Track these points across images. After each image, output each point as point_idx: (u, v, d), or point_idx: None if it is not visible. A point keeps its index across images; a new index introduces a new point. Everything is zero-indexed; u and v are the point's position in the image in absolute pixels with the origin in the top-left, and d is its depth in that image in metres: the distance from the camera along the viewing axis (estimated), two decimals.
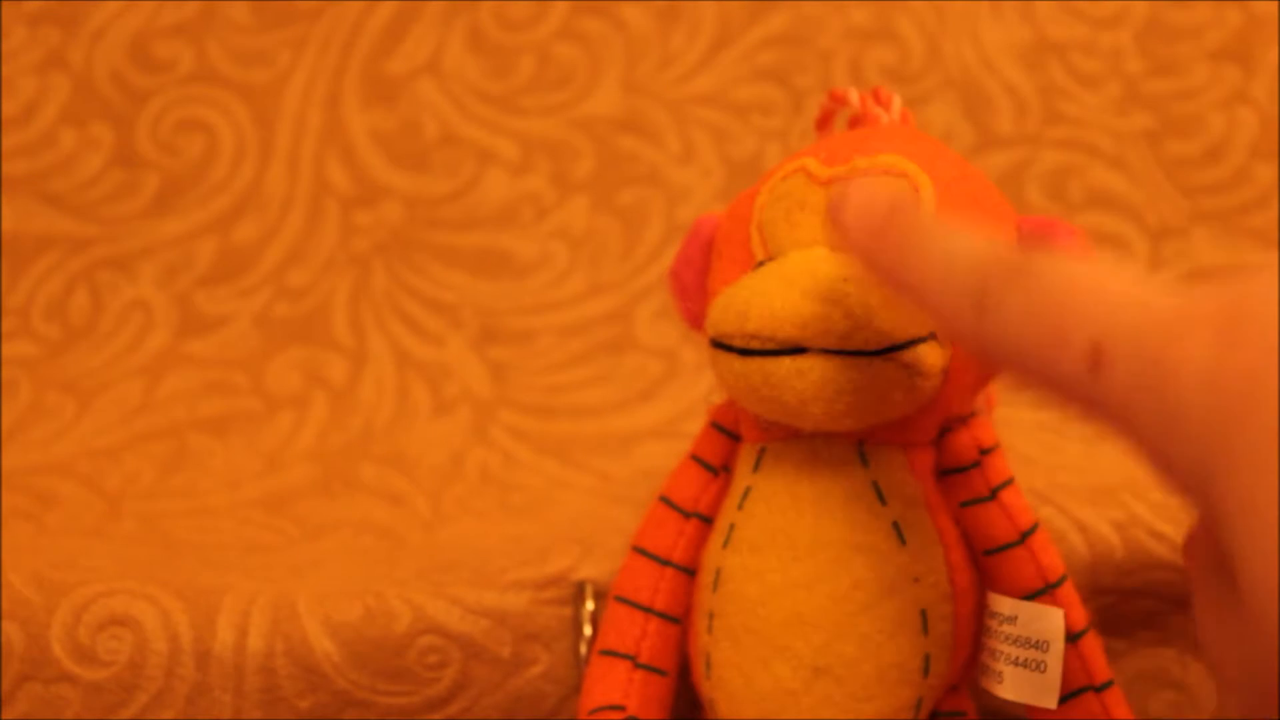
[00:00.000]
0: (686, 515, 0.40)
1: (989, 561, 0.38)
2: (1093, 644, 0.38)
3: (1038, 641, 0.36)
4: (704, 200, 0.67)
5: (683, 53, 0.69)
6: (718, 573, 0.38)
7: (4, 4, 0.69)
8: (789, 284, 0.35)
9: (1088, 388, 0.25)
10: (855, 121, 0.40)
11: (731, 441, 0.40)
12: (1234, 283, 0.24)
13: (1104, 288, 0.26)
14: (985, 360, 0.29)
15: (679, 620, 0.40)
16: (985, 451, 0.38)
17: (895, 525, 0.37)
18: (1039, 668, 0.36)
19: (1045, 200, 0.67)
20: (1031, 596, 0.37)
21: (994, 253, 0.28)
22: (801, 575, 0.37)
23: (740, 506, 0.38)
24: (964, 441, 0.38)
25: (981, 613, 0.38)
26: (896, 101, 0.40)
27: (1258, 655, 0.23)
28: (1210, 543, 0.26)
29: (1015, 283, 0.27)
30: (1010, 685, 0.37)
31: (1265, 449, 0.22)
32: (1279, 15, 0.69)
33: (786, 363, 0.35)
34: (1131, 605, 0.48)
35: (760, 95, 0.69)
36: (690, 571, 0.40)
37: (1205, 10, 0.69)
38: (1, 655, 0.44)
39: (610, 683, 0.40)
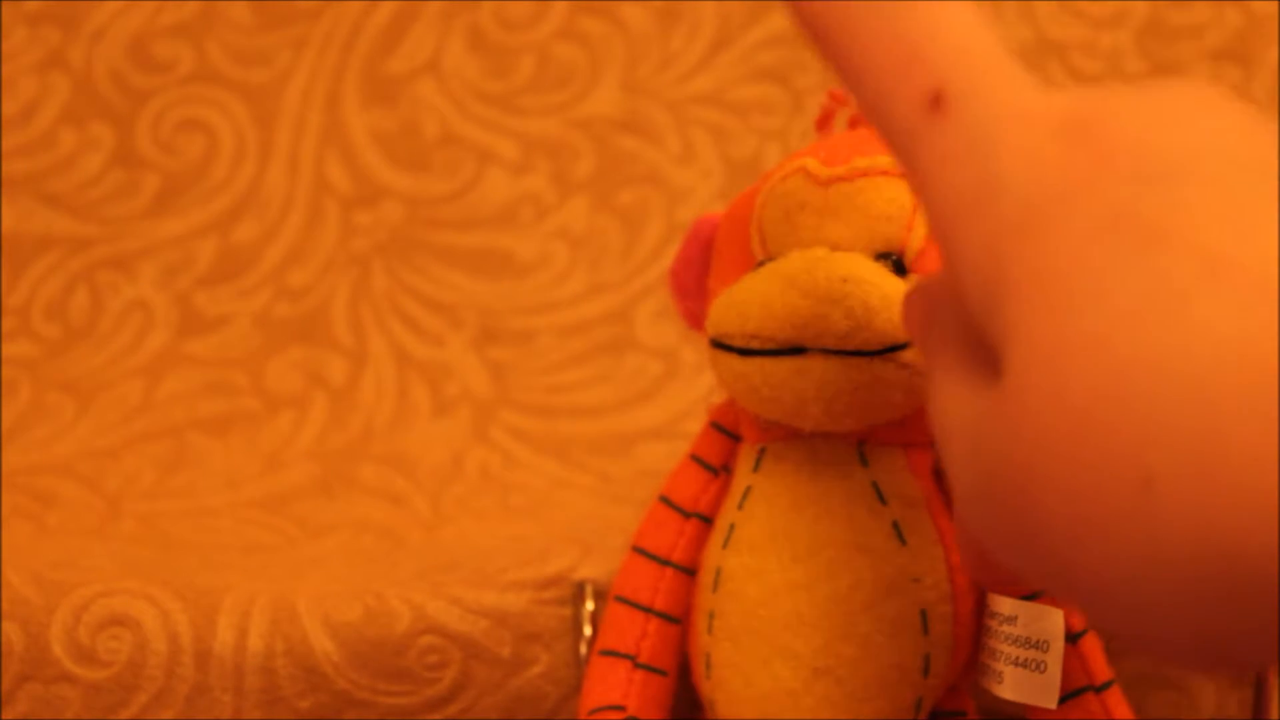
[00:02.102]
0: (686, 515, 0.40)
1: None
2: (1093, 644, 0.38)
3: (1038, 641, 0.36)
4: (704, 200, 0.67)
5: (683, 53, 0.69)
6: (718, 573, 0.38)
7: (4, 4, 0.69)
8: (789, 284, 0.35)
9: (917, 129, 0.24)
10: (855, 122, 0.40)
11: (731, 442, 0.40)
12: (1099, 95, 0.23)
13: (973, 39, 0.24)
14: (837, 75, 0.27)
15: (679, 620, 0.40)
16: None
17: (895, 525, 0.37)
18: (1039, 668, 0.36)
19: None
20: (1032, 596, 0.37)
21: None
22: (801, 575, 0.37)
23: (740, 506, 0.39)
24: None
25: (981, 613, 0.38)
26: None
27: (996, 432, 0.22)
28: (955, 309, 0.25)
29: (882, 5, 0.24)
30: (1010, 685, 0.37)
31: (1068, 250, 0.21)
32: (1279, 15, 0.69)
33: (786, 363, 0.35)
34: None
35: (760, 95, 0.69)
36: (690, 571, 0.40)
37: (1205, 10, 0.69)
38: (1, 655, 0.44)
39: (610, 683, 0.40)
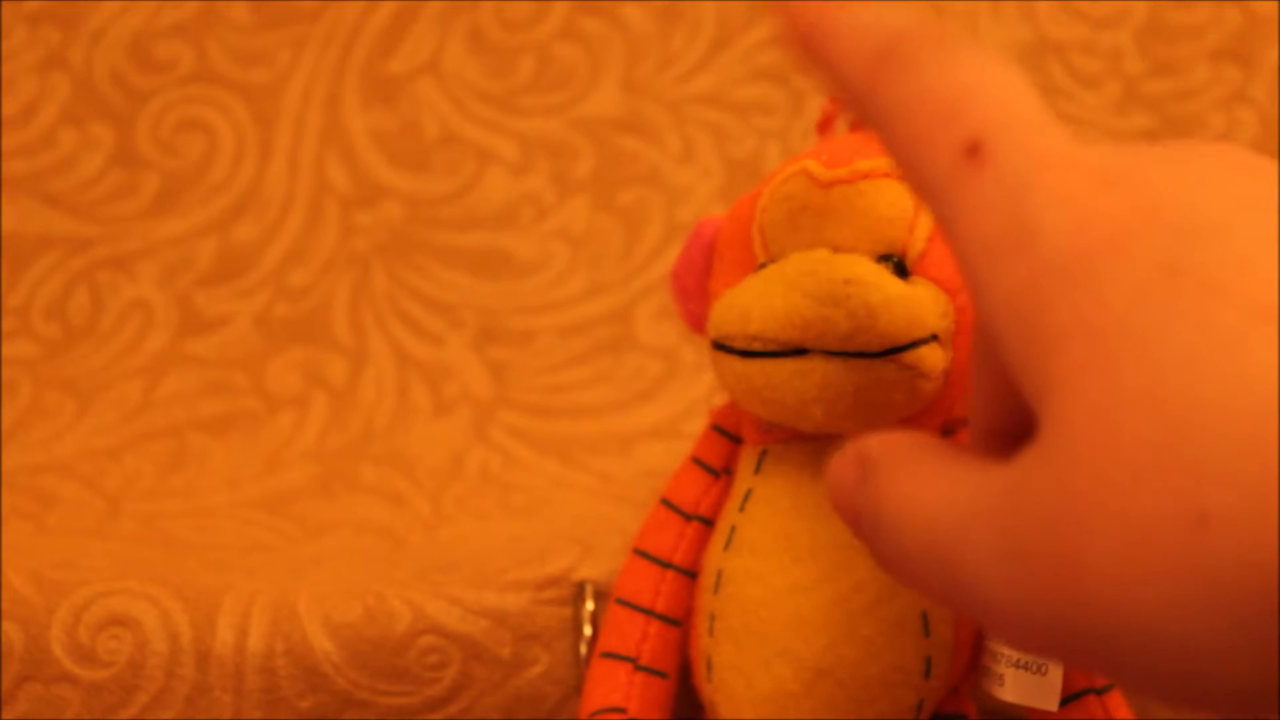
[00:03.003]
0: (688, 517, 0.40)
1: None
2: None
3: None
4: (704, 200, 0.67)
5: (683, 53, 0.69)
6: (719, 575, 0.38)
7: (4, 4, 0.69)
8: (791, 286, 0.35)
9: (953, 178, 0.24)
10: (857, 124, 0.40)
11: (733, 444, 0.40)
12: (1136, 150, 0.24)
13: (1012, 92, 0.24)
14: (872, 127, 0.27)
15: (680, 622, 0.40)
16: None
17: None
18: (1040, 670, 0.36)
19: None
20: None
21: (917, 21, 0.26)
22: (803, 577, 0.37)
23: (741, 509, 0.39)
24: (965, 443, 0.38)
25: None
26: None
27: (1035, 493, 0.22)
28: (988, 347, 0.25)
29: (924, 52, 0.25)
30: (1011, 688, 0.37)
31: (1121, 299, 0.21)
32: (1279, 15, 0.69)
33: (788, 364, 0.35)
34: None
35: (760, 95, 0.69)
36: (691, 574, 0.40)
37: (1205, 10, 0.69)
38: (1, 655, 0.44)
39: (611, 685, 0.40)
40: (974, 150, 0.24)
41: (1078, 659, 0.22)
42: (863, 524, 0.26)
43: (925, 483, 0.25)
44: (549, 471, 0.60)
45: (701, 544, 0.40)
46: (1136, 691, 0.23)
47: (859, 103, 0.26)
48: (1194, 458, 0.20)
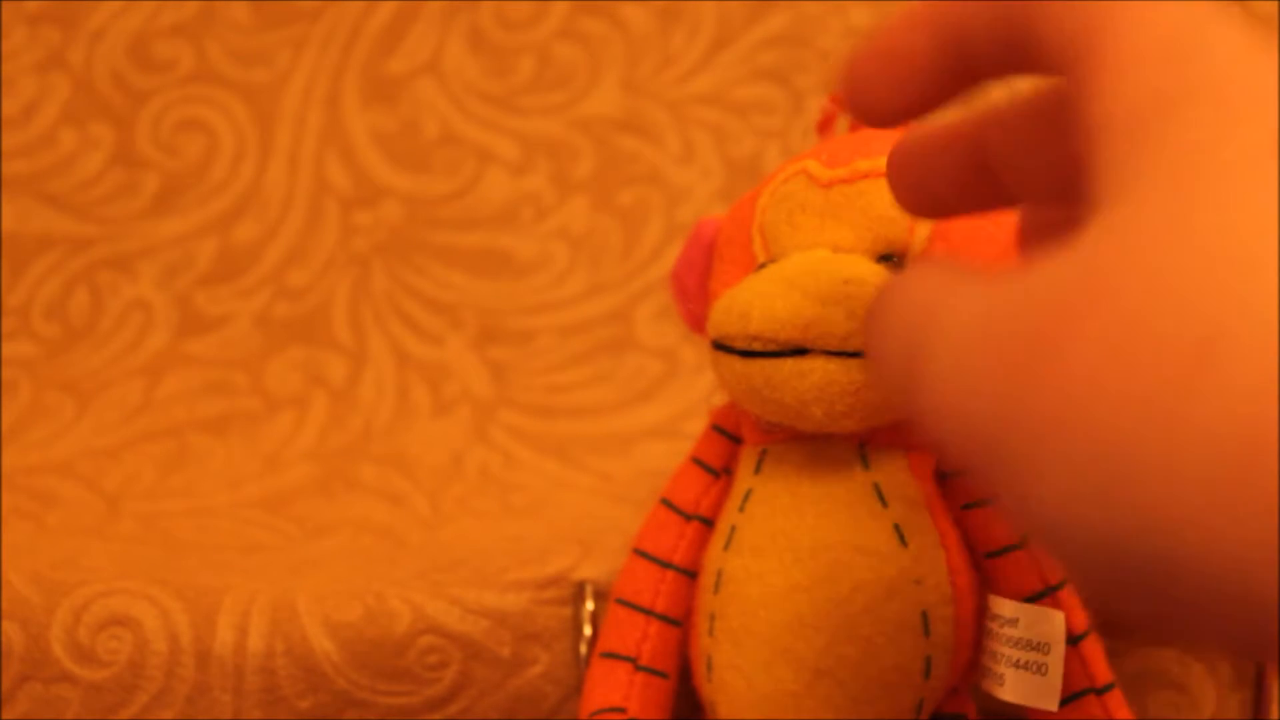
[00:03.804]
0: (687, 517, 0.40)
1: (990, 564, 0.38)
2: (1094, 646, 0.38)
3: (1039, 644, 0.36)
4: (704, 200, 0.67)
5: (683, 53, 0.69)
6: (719, 575, 0.38)
7: (4, 4, 0.69)
8: (790, 286, 0.35)
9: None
10: (856, 124, 0.40)
11: (732, 444, 0.40)
12: None
13: None
14: None
15: (680, 622, 0.40)
16: None
17: (896, 527, 0.37)
18: (1040, 670, 0.36)
19: None
20: (1033, 599, 0.37)
21: None
22: (803, 577, 0.37)
23: (741, 509, 0.39)
24: None
25: (982, 615, 0.38)
26: None
27: (1047, 288, 0.20)
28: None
29: None
30: (1011, 687, 0.37)
31: (1235, 144, 0.20)
32: (1279, 15, 0.69)
33: (788, 364, 0.35)
34: None
35: (760, 95, 0.69)
36: (691, 574, 0.40)
37: None
38: (1, 655, 0.44)
39: (611, 685, 0.40)
40: None
41: (1005, 466, 0.20)
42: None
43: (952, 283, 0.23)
44: (549, 471, 0.60)
45: (701, 544, 0.40)
46: (1056, 549, 0.20)
47: None
48: (1216, 281, 0.18)
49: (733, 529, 0.39)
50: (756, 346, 0.36)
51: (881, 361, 0.24)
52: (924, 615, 0.37)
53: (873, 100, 0.26)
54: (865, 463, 0.37)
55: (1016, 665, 0.37)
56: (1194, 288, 0.18)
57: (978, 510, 0.38)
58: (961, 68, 0.25)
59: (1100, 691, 0.38)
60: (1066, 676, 0.37)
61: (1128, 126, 0.21)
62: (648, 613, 0.40)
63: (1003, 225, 0.37)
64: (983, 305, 0.21)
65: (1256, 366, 0.18)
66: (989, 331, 0.21)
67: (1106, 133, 0.21)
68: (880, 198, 0.36)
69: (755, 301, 0.36)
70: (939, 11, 0.25)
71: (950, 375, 0.21)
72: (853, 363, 0.35)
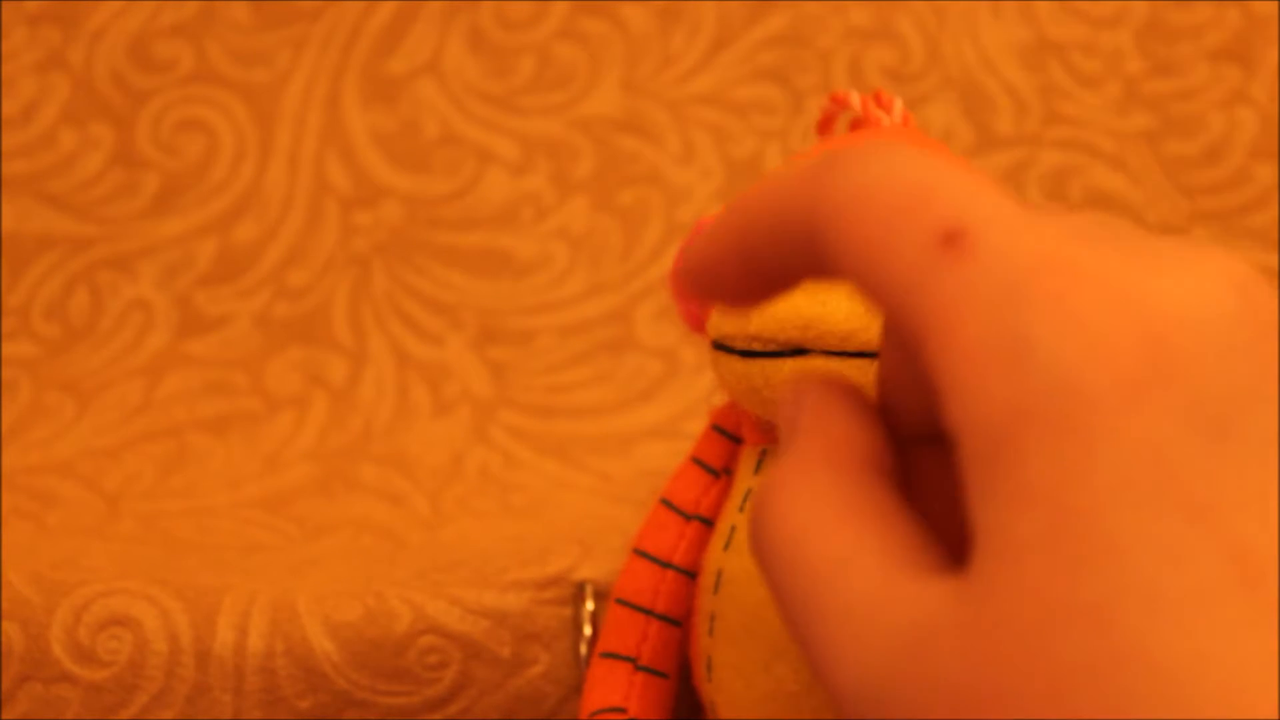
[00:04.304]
0: (687, 517, 0.40)
1: None
2: None
3: None
4: (704, 200, 0.67)
5: (683, 53, 0.69)
6: (719, 575, 0.38)
7: (4, 4, 0.69)
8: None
9: (925, 272, 0.20)
10: (857, 124, 0.40)
11: (733, 444, 0.40)
12: (1139, 250, 0.20)
13: (981, 183, 0.21)
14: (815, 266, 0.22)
15: (680, 622, 0.40)
16: None
17: None
18: None
19: (1045, 200, 0.67)
20: None
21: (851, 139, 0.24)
22: None
23: (741, 509, 0.39)
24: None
25: None
26: (898, 104, 0.40)
27: (963, 643, 0.19)
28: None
29: (869, 152, 0.21)
30: None
31: (1097, 487, 0.18)
32: (1279, 15, 0.69)
33: (788, 364, 0.35)
34: None
35: (760, 95, 0.69)
36: (691, 574, 0.40)
37: (1205, 10, 0.69)
38: (1, 655, 0.44)
39: (611, 685, 0.40)
40: (952, 239, 0.20)
41: None
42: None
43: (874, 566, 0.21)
44: (549, 471, 0.60)
45: (701, 544, 0.40)
46: None
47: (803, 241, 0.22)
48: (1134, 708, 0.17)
49: (733, 529, 0.39)
50: (756, 346, 0.36)
51: (772, 589, 0.22)
52: None
53: (714, 296, 0.25)
54: None
55: None
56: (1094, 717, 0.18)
57: None
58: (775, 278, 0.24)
59: None
60: None
61: (988, 450, 0.19)
62: (648, 613, 0.40)
63: None
64: (879, 620, 0.20)
65: None
66: (882, 671, 0.20)
67: (969, 448, 0.20)
68: None
69: None
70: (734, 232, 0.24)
71: (851, 670, 0.20)
72: (852, 363, 0.35)
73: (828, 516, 0.22)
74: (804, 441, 0.23)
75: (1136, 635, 0.18)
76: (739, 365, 0.36)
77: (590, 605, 0.46)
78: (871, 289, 0.21)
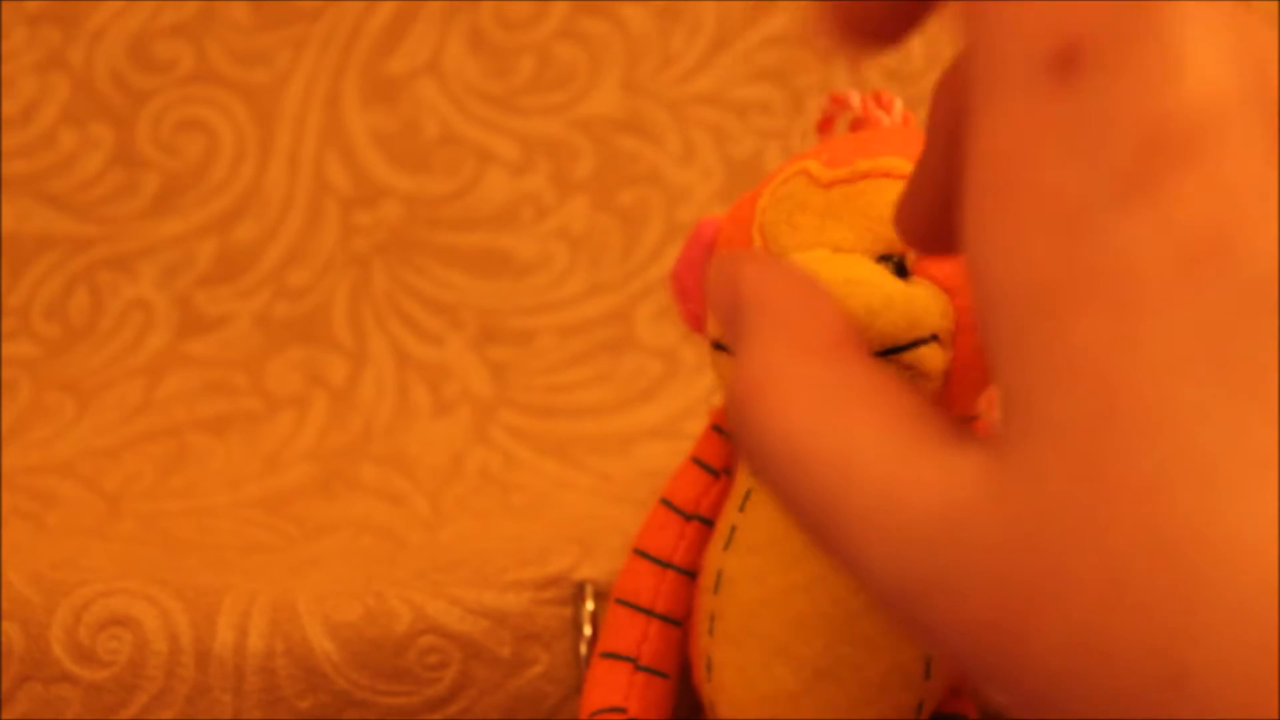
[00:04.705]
0: (687, 517, 0.40)
1: None
2: None
3: None
4: (704, 200, 0.67)
5: (683, 53, 0.69)
6: (719, 575, 0.38)
7: (4, 4, 0.69)
8: None
9: (1031, 96, 0.18)
10: (857, 124, 0.40)
11: (732, 444, 0.40)
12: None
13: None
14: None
15: (680, 622, 0.40)
16: None
17: None
18: None
19: None
20: None
21: None
22: (802, 578, 0.37)
23: (741, 509, 0.39)
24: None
25: None
26: (898, 104, 0.40)
27: (1000, 528, 0.18)
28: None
29: None
30: None
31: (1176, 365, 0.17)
32: (1279, 15, 0.69)
33: None
34: None
35: (760, 95, 0.69)
36: (691, 574, 0.40)
37: None
38: (1, 655, 0.44)
39: (611, 685, 0.40)
40: (1066, 62, 0.18)
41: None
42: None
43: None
44: (549, 471, 0.60)
45: (701, 544, 0.40)
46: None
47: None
48: (1181, 601, 0.17)
49: (733, 529, 0.39)
50: None
51: (754, 464, 0.21)
52: None
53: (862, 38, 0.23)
54: None
55: None
56: (1155, 602, 0.17)
57: None
58: None
59: None
60: None
61: (1028, 319, 0.18)
62: (648, 613, 0.40)
63: None
64: (897, 512, 0.19)
65: (1230, 700, 0.16)
66: (909, 570, 0.19)
67: (1007, 314, 0.18)
68: (880, 198, 0.36)
69: None
70: None
71: (879, 560, 0.19)
72: None
73: (820, 407, 0.20)
74: (766, 329, 0.21)
75: (1194, 513, 0.17)
76: None
77: (590, 605, 0.46)
78: (958, 112, 0.20)
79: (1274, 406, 0.17)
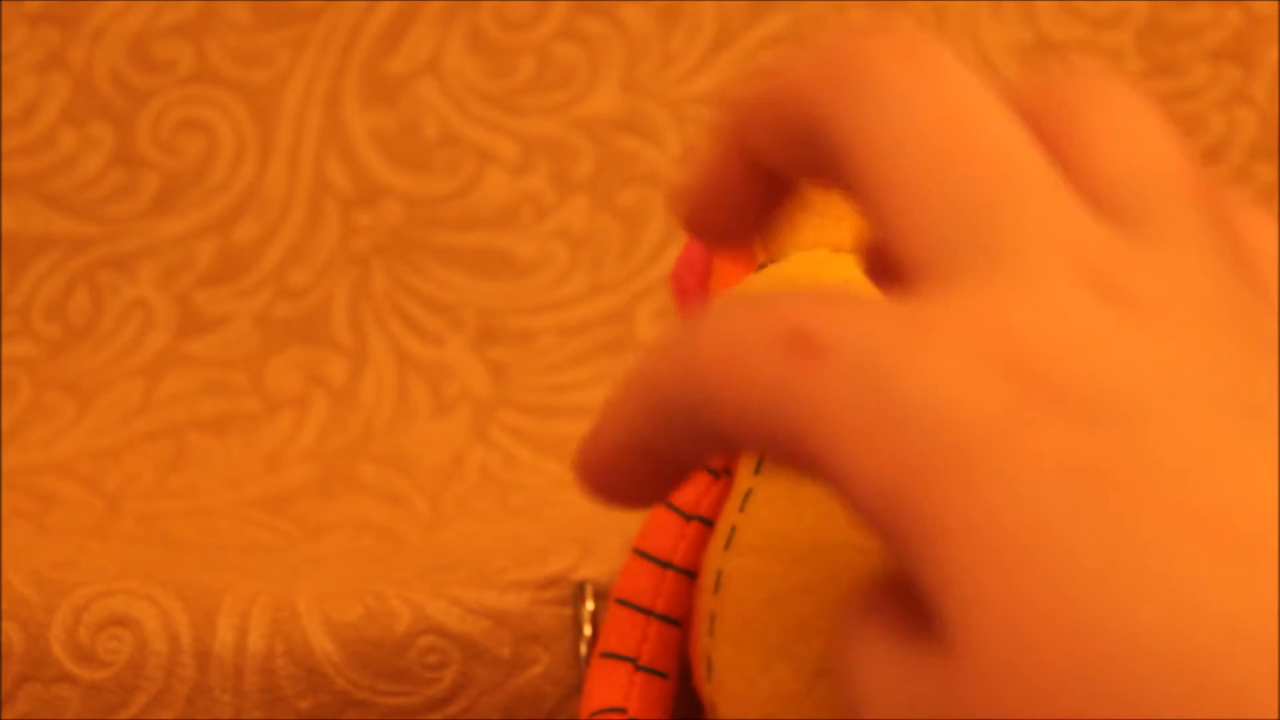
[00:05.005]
0: (687, 517, 0.40)
1: None
2: None
3: None
4: None
5: (683, 53, 0.69)
6: (719, 575, 0.38)
7: (4, 4, 0.69)
8: (790, 286, 0.35)
9: (782, 381, 0.20)
10: None
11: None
12: (973, 292, 0.20)
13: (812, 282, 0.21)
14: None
15: (680, 623, 0.40)
16: None
17: None
18: None
19: None
20: None
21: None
22: (803, 578, 0.37)
23: (741, 508, 0.39)
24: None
25: None
26: None
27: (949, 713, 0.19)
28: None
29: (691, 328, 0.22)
30: None
31: (1015, 499, 0.18)
32: (1279, 15, 0.69)
33: None
34: None
35: None
36: (691, 574, 0.40)
37: (1205, 10, 0.69)
38: (1, 655, 0.44)
39: (611, 685, 0.40)
40: (801, 345, 0.20)
41: None
42: None
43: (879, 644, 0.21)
44: (549, 471, 0.60)
45: (701, 544, 0.40)
46: None
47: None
48: (1120, 698, 0.17)
49: (733, 529, 0.39)
50: None
51: None
52: None
53: (714, 234, 0.26)
54: None
55: None
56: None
57: None
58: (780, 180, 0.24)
59: None
60: None
61: (906, 519, 0.19)
62: (648, 613, 0.40)
63: None
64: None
65: None
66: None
67: (887, 528, 0.19)
68: None
69: None
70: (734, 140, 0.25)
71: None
72: None
73: None
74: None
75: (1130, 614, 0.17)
76: None
77: (590, 605, 0.46)
78: (747, 421, 0.21)
79: (1168, 501, 0.18)
